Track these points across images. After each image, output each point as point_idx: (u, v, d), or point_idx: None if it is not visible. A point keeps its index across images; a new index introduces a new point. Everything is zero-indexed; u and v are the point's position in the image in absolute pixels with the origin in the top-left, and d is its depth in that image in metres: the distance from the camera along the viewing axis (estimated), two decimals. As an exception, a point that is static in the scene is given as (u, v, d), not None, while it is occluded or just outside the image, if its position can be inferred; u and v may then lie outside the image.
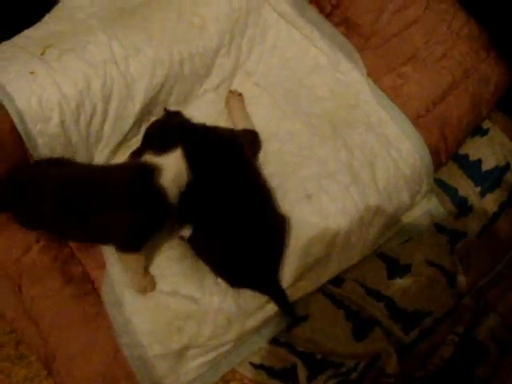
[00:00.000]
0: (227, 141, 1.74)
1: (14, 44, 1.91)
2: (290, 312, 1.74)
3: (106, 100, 1.81)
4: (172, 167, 1.55)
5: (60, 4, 2.10)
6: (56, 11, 2.07)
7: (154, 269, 1.72)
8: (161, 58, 1.87)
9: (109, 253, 1.74)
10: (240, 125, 1.89)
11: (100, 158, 1.88)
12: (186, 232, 1.73)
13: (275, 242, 1.68)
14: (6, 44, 1.92)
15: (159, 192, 1.53)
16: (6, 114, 1.69)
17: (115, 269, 1.72)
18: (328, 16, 2.06)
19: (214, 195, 1.63)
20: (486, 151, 2.04)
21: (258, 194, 1.70)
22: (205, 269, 1.72)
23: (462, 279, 1.85)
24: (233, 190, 1.64)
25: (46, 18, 2.05)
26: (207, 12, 1.95)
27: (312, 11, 2.04)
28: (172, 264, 1.73)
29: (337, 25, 2.04)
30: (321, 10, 2.06)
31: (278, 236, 1.69)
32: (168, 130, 1.67)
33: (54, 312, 1.66)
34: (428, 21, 1.97)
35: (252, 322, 1.71)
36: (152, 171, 1.53)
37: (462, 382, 1.71)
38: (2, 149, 1.71)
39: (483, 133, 2.08)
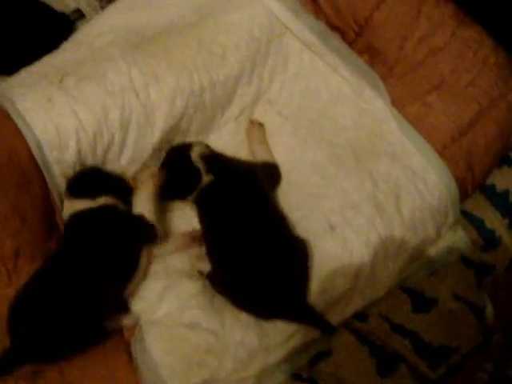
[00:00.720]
0: (246, 173, 1.76)
1: (33, 71, 1.92)
2: (329, 329, 1.68)
3: (125, 129, 1.80)
4: None
5: (78, 31, 2.12)
6: (74, 39, 2.09)
7: (174, 300, 1.69)
8: (181, 86, 1.85)
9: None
10: (259, 157, 1.88)
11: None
12: (204, 267, 1.72)
13: (299, 265, 1.66)
14: (25, 71, 1.94)
15: None
16: (25, 141, 1.69)
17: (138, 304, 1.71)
18: (351, 44, 2.02)
19: (232, 228, 1.65)
20: (515, 182, 1.99)
21: (275, 224, 1.70)
22: (225, 302, 1.69)
23: (490, 314, 1.78)
24: (250, 222, 1.66)
25: (64, 45, 2.07)
26: (228, 40, 1.94)
27: (335, 39, 2.02)
28: (192, 296, 1.70)
29: (360, 53, 2.01)
30: (343, 37, 2.03)
31: (301, 259, 1.67)
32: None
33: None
34: (454, 48, 1.92)
35: (274, 357, 1.67)
36: None
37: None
38: (23, 177, 1.71)
39: (511, 163, 2.02)
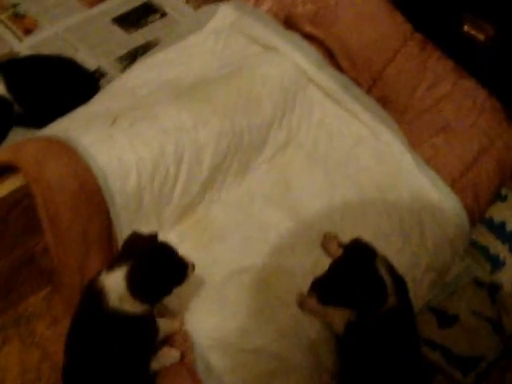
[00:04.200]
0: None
1: (79, 116, 2.04)
2: None
3: (178, 164, 1.92)
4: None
5: (109, 86, 2.26)
6: (107, 92, 2.23)
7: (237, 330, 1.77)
8: (225, 127, 2.01)
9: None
10: None
11: (167, 222, 1.97)
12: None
13: None
14: (68, 118, 2.05)
15: None
16: (92, 174, 1.78)
17: (200, 332, 1.77)
18: (366, 93, 2.28)
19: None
20: (508, 214, 2.24)
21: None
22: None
23: (507, 325, 2.00)
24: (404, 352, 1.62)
25: (99, 96, 2.20)
26: (263, 89, 2.14)
27: (354, 87, 2.26)
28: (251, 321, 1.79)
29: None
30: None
31: None
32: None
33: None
34: (456, 96, 2.21)
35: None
36: None
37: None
38: (93, 207, 1.79)
39: (503, 199, 2.27)
